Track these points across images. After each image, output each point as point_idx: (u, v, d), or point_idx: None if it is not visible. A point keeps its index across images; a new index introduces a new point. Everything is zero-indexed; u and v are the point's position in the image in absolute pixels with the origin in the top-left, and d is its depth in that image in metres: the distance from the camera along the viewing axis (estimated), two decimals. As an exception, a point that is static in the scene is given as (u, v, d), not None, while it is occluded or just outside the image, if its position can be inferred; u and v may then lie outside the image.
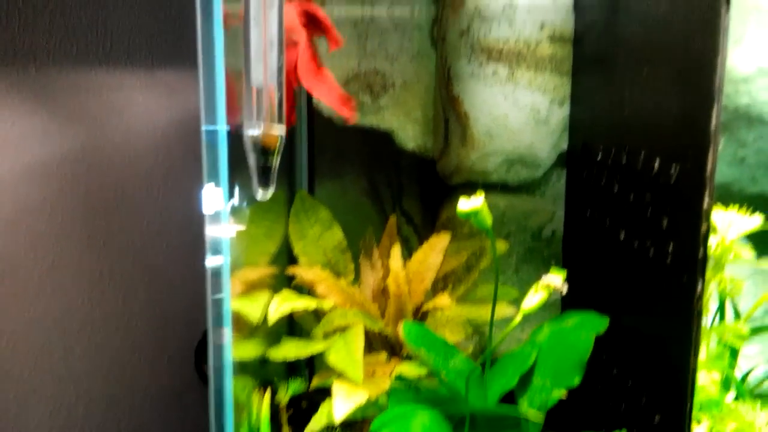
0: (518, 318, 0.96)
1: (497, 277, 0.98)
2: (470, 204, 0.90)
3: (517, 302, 1.48)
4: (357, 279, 1.38)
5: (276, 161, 0.82)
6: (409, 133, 1.57)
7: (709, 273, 0.96)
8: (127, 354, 1.34)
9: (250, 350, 1.11)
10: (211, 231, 0.79)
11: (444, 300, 1.29)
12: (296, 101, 1.48)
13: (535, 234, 1.46)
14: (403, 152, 1.57)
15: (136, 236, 1.33)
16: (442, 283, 1.41)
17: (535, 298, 0.95)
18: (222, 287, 0.85)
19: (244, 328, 1.14)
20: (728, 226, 0.93)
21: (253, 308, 1.09)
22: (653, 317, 0.91)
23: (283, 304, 1.11)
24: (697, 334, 0.77)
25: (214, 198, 0.79)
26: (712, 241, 0.94)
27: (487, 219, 0.93)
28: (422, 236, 1.63)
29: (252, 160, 0.80)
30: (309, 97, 1.54)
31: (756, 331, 1.38)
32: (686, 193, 0.78)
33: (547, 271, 1.50)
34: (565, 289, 0.95)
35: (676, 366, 0.82)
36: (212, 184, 0.78)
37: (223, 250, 0.83)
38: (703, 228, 0.74)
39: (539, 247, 1.47)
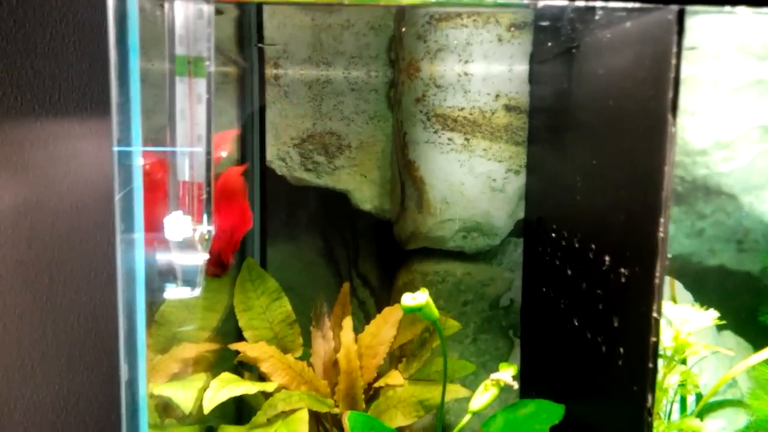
0: (467, 418, 0.91)
1: (445, 366, 0.93)
2: (415, 301, 0.86)
3: (475, 377, 1.44)
4: (308, 348, 1.32)
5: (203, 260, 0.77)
6: (366, 193, 1.53)
7: (665, 369, 0.93)
8: (71, 416, 1.26)
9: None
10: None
11: (396, 378, 1.23)
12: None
13: (493, 303, 1.43)
14: (360, 213, 1.53)
15: (82, 290, 1.26)
16: (397, 353, 1.36)
17: (484, 396, 0.91)
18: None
19: (177, 414, 1.08)
20: (683, 322, 0.90)
21: (186, 394, 1.02)
22: (606, 413, 0.87)
23: (221, 390, 1.05)
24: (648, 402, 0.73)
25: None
26: (668, 336, 0.91)
27: (433, 311, 0.89)
28: (379, 300, 1.58)
29: (177, 259, 0.75)
30: (262, 154, 1.50)
31: (717, 406, 1.36)
32: (635, 298, 0.75)
33: (505, 342, 1.46)
34: (516, 384, 0.91)
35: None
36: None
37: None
38: (652, 341, 0.70)
39: (497, 317, 1.43)
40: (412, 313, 0.88)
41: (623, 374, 0.79)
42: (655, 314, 0.71)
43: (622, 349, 0.79)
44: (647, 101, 0.74)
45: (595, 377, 0.91)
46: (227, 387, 1.07)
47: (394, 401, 1.22)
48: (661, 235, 0.69)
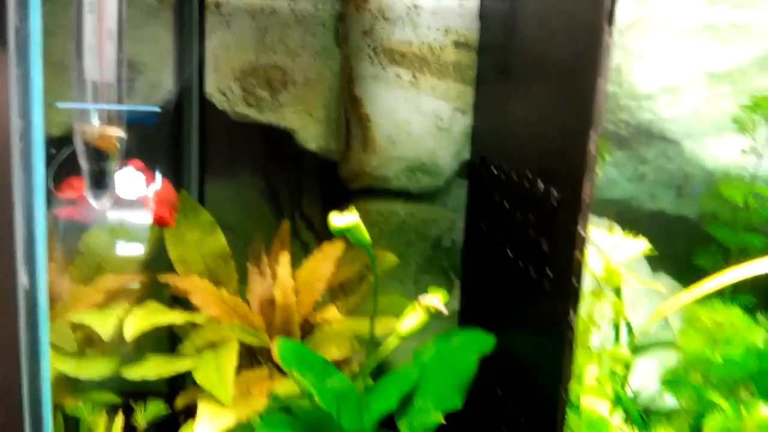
0: (395, 341, 0.90)
1: (376, 296, 0.91)
2: (344, 220, 0.83)
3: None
4: (244, 286, 1.29)
5: (113, 166, 0.72)
6: (311, 132, 1.48)
7: (594, 296, 0.93)
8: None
9: (97, 368, 1.00)
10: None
11: (332, 313, 1.21)
12: (185, 97, 1.37)
13: (435, 243, 1.41)
14: (305, 152, 1.48)
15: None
16: (338, 291, 1.34)
17: (413, 319, 0.89)
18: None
19: (99, 343, 1.03)
20: (614, 249, 0.90)
21: (106, 322, 0.98)
22: (534, 340, 0.87)
23: (144, 318, 1.01)
24: (568, 363, 0.72)
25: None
26: (599, 265, 0.90)
27: (364, 234, 0.86)
28: (322, 241, 1.55)
29: (84, 163, 0.70)
30: (200, 86, 1.44)
31: (648, 347, 1.38)
32: (564, 219, 0.74)
33: (446, 282, 1.46)
34: (445, 309, 0.90)
35: (551, 393, 0.77)
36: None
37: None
38: (577, 256, 0.69)
39: (439, 257, 1.42)
40: (341, 234, 0.85)
41: (550, 296, 0.78)
42: (581, 230, 0.70)
43: (549, 271, 0.78)
44: (585, 14, 0.72)
45: (526, 305, 0.90)
46: (151, 315, 1.03)
47: (330, 335, 1.20)
48: (591, 149, 0.68)
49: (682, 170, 1.35)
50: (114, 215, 1.21)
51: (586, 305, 0.97)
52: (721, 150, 1.31)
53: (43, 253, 0.70)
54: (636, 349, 1.35)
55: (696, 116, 1.32)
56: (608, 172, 1.36)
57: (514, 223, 0.96)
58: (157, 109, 1.34)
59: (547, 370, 0.79)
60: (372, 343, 0.96)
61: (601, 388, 1.04)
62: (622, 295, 1.15)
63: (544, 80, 0.86)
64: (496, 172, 1.10)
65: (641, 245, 0.92)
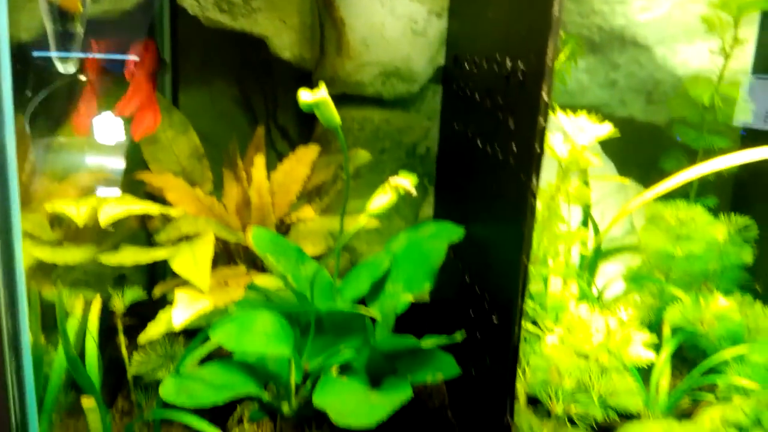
0: (364, 220, 0.92)
1: (348, 182, 0.93)
2: (312, 95, 0.83)
3: (387, 218, 1.45)
4: (220, 189, 1.30)
5: (78, 28, 0.71)
6: (285, 40, 1.46)
7: (558, 180, 0.95)
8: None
9: (75, 254, 1.01)
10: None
11: (307, 212, 1.23)
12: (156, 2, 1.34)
13: (410, 151, 1.43)
14: (279, 61, 1.47)
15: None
16: (312, 195, 1.35)
17: (383, 198, 0.91)
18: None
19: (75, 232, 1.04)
20: (579, 131, 0.92)
21: (80, 209, 0.98)
22: (500, 220, 0.89)
23: (117, 206, 1.02)
24: (530, 230, 0.75)
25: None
26: (564, 148, 0.92)
27: (333, 113, 0.86)
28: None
29: (49, 24, 0.69)
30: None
31: (614, 251, 1.43)
32: (530, 88, 0.75)
33: (420, 190, 1.48)
34: (413, 191, 0.92)
35: (513, 262, 0.80)
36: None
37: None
38: (541, 123, 0.71)
39: (413, 164, 1.44)
40: (310, 111, 0.86)
41: (515, 170, 0.80)
42: (544, 95, 0.71)
43: (514, 146, 0.80)
44: None
45: (493, 188, 0.92)
46: (125, 203, 1.04)
47: (305, 233, 1.22)
48: (555, 11, 0.69)
49: (653, 77, 1.37)
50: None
51: (547, 198, 0.99)
52: (691, 56, 1.33)
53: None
54: (604, 254, 1.40)
55: (668, 21, 1.33)
56: (580, 78, 1.37)
57: (484, 113, 0.98)
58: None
59: (510, 242, 0.81)
60: (341, 232, 0.98)
61: (566, 268, 1.08)
62: (588, 179, 1.18)
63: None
64: (468, 67, 1.10)
65: (605, 128, 0.94)
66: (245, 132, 1.52)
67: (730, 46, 1.19)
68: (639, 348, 0.90)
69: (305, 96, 0.84)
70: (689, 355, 1.21)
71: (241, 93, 1.51)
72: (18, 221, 0.75)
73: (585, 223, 1.29)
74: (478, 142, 1.01)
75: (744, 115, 1.23)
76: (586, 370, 0.96)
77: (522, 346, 1.06)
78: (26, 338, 0.75)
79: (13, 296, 0.75)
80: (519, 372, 1.06)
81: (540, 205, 0.99)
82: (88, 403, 0.86)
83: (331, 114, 0.87)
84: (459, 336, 0.93)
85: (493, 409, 0.87)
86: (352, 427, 0.79)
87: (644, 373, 1.16)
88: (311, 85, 1.46)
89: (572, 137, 0.93)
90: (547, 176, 1.01)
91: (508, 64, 0.85)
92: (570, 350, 0.93)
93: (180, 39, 1.43)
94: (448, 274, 1.22)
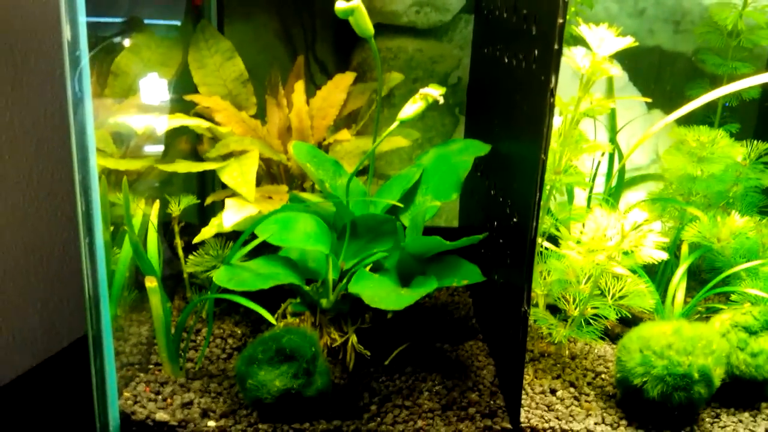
0: (395, 124, 0.99)
1: (379, 99, 1.00)
2: (347, 2, 0.90)
3: (420, 145, 1.53)
4: (263, 117, 1.38)
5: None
6: (324, -26, 1.53)
7: (580, 92, 1.00)
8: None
9: (137, 164, 1.11)
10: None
11: (344, 134, 1.31)
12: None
13: (442, 80, 1.49)
14: (317, -4, 1.53)
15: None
16: (348, 121, 1.43)
17: (413, 107, 0.99)
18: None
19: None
20: (599, 42, 0.96)
21: (139, 121, 1.08)
22: (523, 127, 0.94)
23: (173, 119, 1.12)
24: (549, 125, 0.81)
25: None
26: (586, 61, 0.97)
27: (367, 22, 0.94)
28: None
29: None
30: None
31: (642, 178, 1.48)
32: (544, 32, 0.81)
33: (451, 119, 1.54)
34: (441, 99, 0.99)
35: (532, 159, 0.86)
36: None
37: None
38: (558, 21, 0.77)
39: (445, 94, 1.49)
40: (346, 17, 0.93)
41: (535, 75, 0.86)
42: (560, 18, 0.77)
43: (536, 52, 0.86)
44: None
45: (517, 100, 0.98)
46: (179, 118, 1.14)
47: (341, 154, 1.31)
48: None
49: (681, 5, 1.39)
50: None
51: (568, 110, 1.04)
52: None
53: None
54: (628, 183, 1.45)
55: (700, -52, 1.34)
56: (609, 7, 1.40)
57: (510, 29, 1.03)
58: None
59: (531, 144, 0.88)
60: (373, 149, 1.06)
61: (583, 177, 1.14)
62: (613, 93, 1.22)
63: None
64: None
65: (626, 40, 0.98)
66: (286, 64, 1.59)
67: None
68: (651, 249, 0.96)
69: (340, 3, 0.91)
70: (707, 276, 1.27)
71: (282, 26, 1.58)
72: (92, 136, 0.86)
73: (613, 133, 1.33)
74: (505, 58, 1.07)
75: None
76: (601, 274, 1.03)
77: (540, 259, 1.14)
78: (98, 221, 0.86)
79: (86, 182, 0.86)
80: (539, 278, 1.14)
81: (561, 118, 1.05)
82: (150, 282, 0.97)
83: (365, 22, 0.94)
84: (478, 238, 1.01)
85: (512, 303, 0.95)
86: (383, 308, 0.89)
87: (662, 291, 1.23)
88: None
89: (593, 48, 0.98)
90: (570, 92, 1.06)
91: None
92: (586, 252, 1.00)
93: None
94: (476, 199, 1.30)
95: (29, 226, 1.12)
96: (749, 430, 0.97)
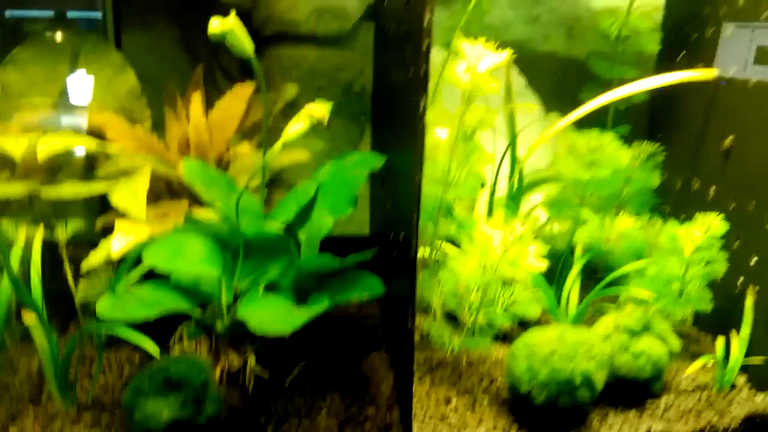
0: (279, 144, 0.99)
1: (267, 117, 0.99)
2: (222, 25, 0.88)
3: (328, 153, 1.52)
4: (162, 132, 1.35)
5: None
6: (223, -19, 1.49)
7: (462, 108, 1.02)
8: None
9: (18, 188, 1.07)
10: None
11: (244, 148, 1.30)
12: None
13: (346, 88, 1.48)
14: (218, 2, 1.50)
15: None
16: (251, 132, 1.41)
17: (296, 126, 0.98)
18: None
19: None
20: (477, 59, 0.98)
21: (17, 143, 1.04)
22: (404, 145, 0.95)
23: (55, 142, 1.07)
24: (421, 146, 0.81)
25: None
26: (467, 76, 0.99)
27: (244, 43, 0.92)
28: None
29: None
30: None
31: (541, 181, 1.52)
32: (418, 13, 0.81)
33: (356, 127, 1.54)
34: (326, 119, 0.98)
35: (411, 177, 0.87)
36: None
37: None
38: (425, 44, 0.77)
39: (350, 102, 1.49)
40: (222, 40, 0.91)
41: (411, 93, 0.86)
42: (427, 18, 0.77)
43: (411, 71, 0.87)
44: None
45: (400, 116, 0.99)
46: (63, 139, 1.10)
47: (242, 168, 1.29)
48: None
49: (573, 12, 1.43)
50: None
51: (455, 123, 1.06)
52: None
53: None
54: (528, 186, 1.49)
55: (588, -44, 1.38)
56: (505, 15, 1.43)
57: (395, 43, 1.04)
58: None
59: (409, 162, 0.89)
60: (264, 166, 1.05)
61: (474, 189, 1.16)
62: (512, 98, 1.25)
63: None
64: (385, 2, 1.15)
65: (502, 56, 1.00)
66: (188, 73, 1.55)
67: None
68: (533, 259, 0.99)
69: (214, 24, 0.89)
70: (602, 276, 1.32)
71: (182, 34, 1.54)
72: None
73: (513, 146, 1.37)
74: (393, 71, 1.07)
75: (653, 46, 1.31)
76: (491, 283, 1.06)
77: (441, 265, 1.16)
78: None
79: None
80: (437, 288, 1.16)
81: (447, 131, 1.06)
82: (29, 319, 0.94)
83: (242, 43, 0.93)
84: (369, 254, 1.02)
85: (401, 319, 0.97)
86: (270, 333, 0.89)
87: (560, 292, 1.27)
88: (250, 24, 1.50)
89: (473, 64, 1.00)
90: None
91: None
92: (474, 264, 1.03)
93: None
94: (379, 209, 1.31)
95: None
96: (635, 427, 1.02)
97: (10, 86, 1.22)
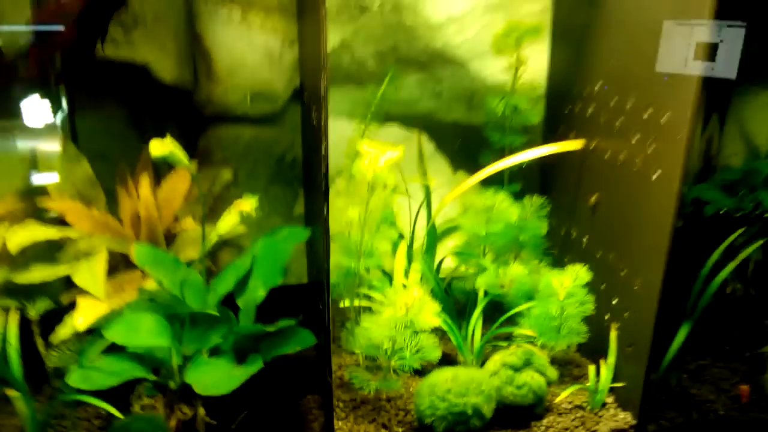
0: (214, 238, 1.19)
1: (203, 212, 1.19)
2: (161, 147, 1.09)
3: (267, 214, 1.72)
4: (115, 208, 1.53)
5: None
6: (165, 65, 1.68)
7: (367, 194, 1.24)
8: None
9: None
10: None
11: (188, 223, 1.49)
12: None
13: (280, 160, 1.69)
14: (162, 84, 1.69)
15: None
16: (195, 205, 1.61)
17: (229, 220, 1.19)
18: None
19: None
20: (376, 156, 1.20)
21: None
22: (318, 222, 1.17)
23: (24, 234, 1.26)
24: (326, 231, 1.03)
25: None
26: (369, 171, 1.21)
27: (181, 157, 1.12)
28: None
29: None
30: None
31: (449, 230, 1.75)
32: (317, 110, 1.02)
33: (291, 192, 1.75)
34: (254, 212, 1.19)
35: (323, 254, 1.09)
36: None
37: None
38: (323, 148, 0.99)
39: (284, 171, 1.70)
40: (164, 160, 1.11)
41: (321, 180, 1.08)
42: (322, 123, 0.99)
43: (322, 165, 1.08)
44: None
45: (315, 194, 1.20)
46: (31, 231, 1.28)
47: (187, 240, 1.49)
48: (323, 86, 0.96)
49: (470, 87, 1.67)
50: None
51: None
52: (497, 68, 1.63)
53: None
54: (440, 236, 1.72)
55: (477, 41, 1.62)
56: (413, 92, 1.66)
57: (312, 130, 1.25)
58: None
59: (320, 240, 1.11)
60: (203, 245, 1.26)
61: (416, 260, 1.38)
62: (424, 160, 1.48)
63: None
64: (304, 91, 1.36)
65: (396, 153, 1.23)
66: (138, 149, 1.74)
67: (515, 65, 1.50)
68: (429, 316, 1.22)
69: (155, 148, 1.09)
70: (503, 313, 1.55)
71: (131, 114, 1.73)
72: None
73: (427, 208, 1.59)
74: (310, 155, 1.29)
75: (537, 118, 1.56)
76: (401, 334, 1.28)
77: (368, 314, 1.38)
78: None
79: None
80: (359, 337, 1.38)
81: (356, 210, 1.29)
82: (12, 393, 1.12)
83: (179, 158, 1.13)
84: (294, 321, 1.23)
85: (323, 370, 1.18)
86: (213, 394, 1.09)
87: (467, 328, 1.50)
88: (192, 103, 1.70)
89: (373, 160, 1.22)
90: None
91: (305, 93, 1.13)
92: (383, 321, 1.25)
93: (74, 71, 1.62)
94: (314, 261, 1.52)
95: None
96: (521, 444, 1.26)
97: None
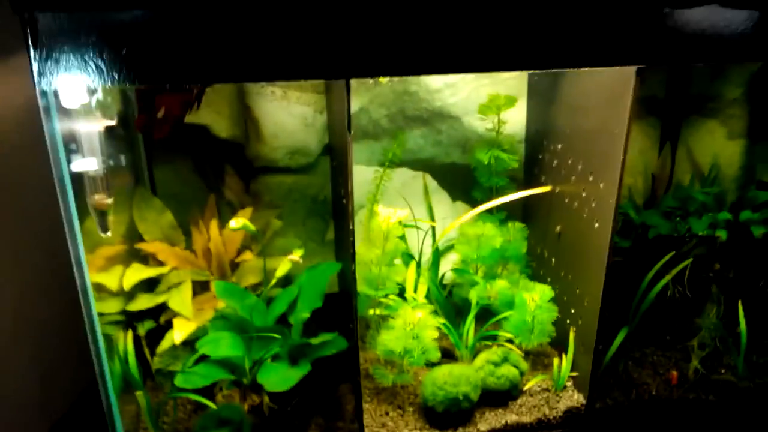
0: (274, 280, 1.65)
1: (264, 253, 1.65)
2: (237, 223, 1.54)
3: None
4: (190, 242, 2.00)
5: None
6: (222, 126, 2.13)
7: (382, 241, 1.68)
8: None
9: (113, 306, 1.74)
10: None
11: (247, 255, 1.96)
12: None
13: (314, 199, 2.13)
14: (220, 140, 2.13)
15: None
16: (250, 241, 2.07)
17: (283, 267, 1.64)
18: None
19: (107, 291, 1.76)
20: (389, 215, 1.63)
21: (111, 279, 1.70)
22: (345, 257, 1.62)
23: (133, 275, 1.74)
24: (353, 266, 1.47)
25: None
26: (384, 223, 1.65)
27: (250, 226, 1.58)
28: (242, 202, 2.25)
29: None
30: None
31: (447, 249, 2.18)
32: (343, 181, 1.47)
33: (323, 223, 2.20)
34: (300, 260, 1.64)
35: (349, 284, 1.54)
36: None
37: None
38: (350, 227, 1.43)
39: (318, 208, 2.15)
40: (241, 229, 1.57)
41: (346, 233, 1.52)
42: (349, 186, 1.43)
43: (350, 225, 1.52)
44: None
45: (344, 244, 1.65)
46: (138, 272, 1.76)
47: (248, 270, 1.95)
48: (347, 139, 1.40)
49: (464, 136, 2.08)
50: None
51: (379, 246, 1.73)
52: (487, 122, 2.04)
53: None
54: (442, 252, 2.15)
55: (469, 100, 2.02)
56: (418, 142, 2.08)
57: (339, 182, 1.69)
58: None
59: (348, 271, 1.55)
60: (265, 275, 1.71)
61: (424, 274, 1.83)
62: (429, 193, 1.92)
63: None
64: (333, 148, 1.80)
65: (404, 212, 1.66)
66: (204, 190, 2.20)
67: (497, 125, 1.91)
68: (430, 330, 1.67)
69: (233, 224, 1.55)
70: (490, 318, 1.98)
71: (196, 164, 2.19)
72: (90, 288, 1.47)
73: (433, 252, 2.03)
74: (338, 194, 1.73)
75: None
76: (410, 342, 1.73)
77: (385, 324, 1.83)
78: (100, 345, 1.49)
79: (91, 319, 1.48)
80: (379, 345, 1.83)
81: (374, 252, 1.73)
82: (138, 393, 1.62)
83: (250, 226, 1.59)
84: (331, 336, 1.69)
85: (354, 372, 1.64)
86: (277, 389, 1.56)
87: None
88: (244, 154, 2.14)
89: (386, 216, 1.65)
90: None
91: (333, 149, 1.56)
92: (397, 333, 1.70)
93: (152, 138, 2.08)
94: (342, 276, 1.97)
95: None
96: (500, 418, 1.71)
97: (92, 228, 1.87)
